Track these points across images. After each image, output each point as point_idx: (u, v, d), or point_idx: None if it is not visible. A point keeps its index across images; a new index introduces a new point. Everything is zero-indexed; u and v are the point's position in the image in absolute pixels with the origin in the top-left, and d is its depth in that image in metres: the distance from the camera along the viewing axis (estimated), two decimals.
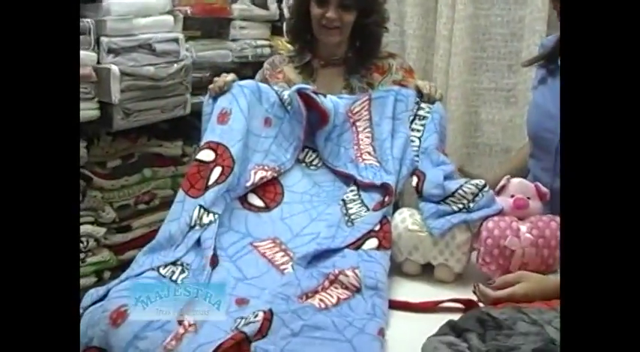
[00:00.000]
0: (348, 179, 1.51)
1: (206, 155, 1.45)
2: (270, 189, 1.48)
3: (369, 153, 1.53)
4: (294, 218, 1.43)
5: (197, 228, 1.34)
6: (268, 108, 1.56)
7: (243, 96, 1.54)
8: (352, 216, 1.41)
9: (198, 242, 1.32)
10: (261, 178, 1.47)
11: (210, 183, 1.41)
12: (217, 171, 1.43)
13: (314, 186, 1.52)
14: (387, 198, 1.41)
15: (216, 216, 1.36)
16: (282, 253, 1.34)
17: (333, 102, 1.55)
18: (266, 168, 1.49)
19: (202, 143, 1.49)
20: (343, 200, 1.46)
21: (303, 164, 1.55)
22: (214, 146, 1.46)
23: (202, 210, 1.37)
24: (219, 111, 1.52)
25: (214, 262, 1.27)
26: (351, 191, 1.48)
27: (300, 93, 1.52)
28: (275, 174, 1.49)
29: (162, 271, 1.26)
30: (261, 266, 1.30)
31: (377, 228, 1.35)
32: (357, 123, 1.58)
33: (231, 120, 1.51)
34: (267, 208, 1.45)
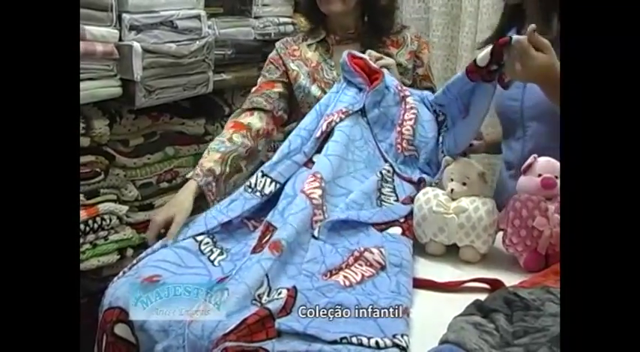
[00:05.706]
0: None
1: None
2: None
3: (408, 141, 1.48)
4: (333, 158, 1.39)
5: (257, 194, 1.36)
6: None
7: None
8: (382, 197, 1.39)
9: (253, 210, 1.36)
10: (329, 123, 1.43)
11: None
12: None
13: (361, 139, 1.47)
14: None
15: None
16: (320, 191, 1.31)
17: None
18: (334, 112, 1.46)
19: None
20: (381, 173, 1.44)
21: (360, 112, 1.49)
22: None
23: (262, 175, 1.38)
24: None
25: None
26: (387, 171, 1.45)
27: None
28: (342, 116, 1.45)
29: (203, 247, 1.27)
30: (299, 202, 1.29)
31: (402, 220, 1.34)
32: (407, 99, 1.52)
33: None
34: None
